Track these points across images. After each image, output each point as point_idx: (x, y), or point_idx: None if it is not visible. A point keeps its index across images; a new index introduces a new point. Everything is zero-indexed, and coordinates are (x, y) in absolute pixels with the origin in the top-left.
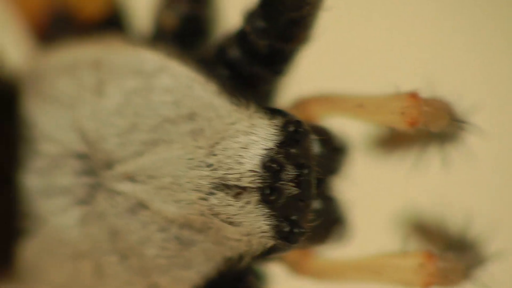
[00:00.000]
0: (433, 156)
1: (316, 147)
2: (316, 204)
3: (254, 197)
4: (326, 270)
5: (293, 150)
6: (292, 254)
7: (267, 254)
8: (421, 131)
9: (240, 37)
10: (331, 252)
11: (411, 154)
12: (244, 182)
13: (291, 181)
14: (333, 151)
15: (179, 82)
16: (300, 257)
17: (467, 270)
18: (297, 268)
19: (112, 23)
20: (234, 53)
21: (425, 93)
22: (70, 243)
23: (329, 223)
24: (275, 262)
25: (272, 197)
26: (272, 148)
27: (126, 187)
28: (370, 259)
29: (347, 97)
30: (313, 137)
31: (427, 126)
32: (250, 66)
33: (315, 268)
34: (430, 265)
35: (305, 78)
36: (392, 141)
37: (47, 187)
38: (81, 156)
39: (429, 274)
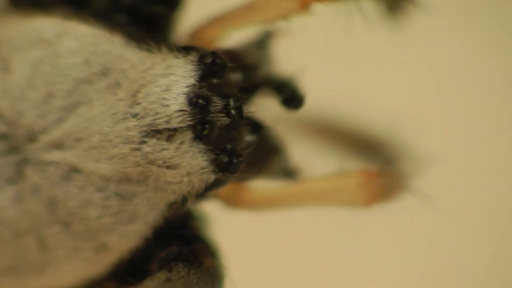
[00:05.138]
0: None
1: (235, 74)
2: (247, 130)
3: (187, 135)
4: (264, 199)
5: (215, 81)
6: (227, 189)
7: (209, 190)
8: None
9: None
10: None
11: None
12: (174, 123)
13: (220, 111)
14: (250, 74)
15: (83, 41)
16: (235, 191)
17: (403, 181)
18: (233, 202)
19: None
20: None
21: None
22: (9, 224)
23: (263, 150)
24: (211, 200)
25: (205, 132)
26: (194, 84)
27: (55, 155)
28: (309, 183)
29: (234, 8)
30: (231, 64)
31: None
32: (147, 5)
33: (252, 199)
34: (371, 183)
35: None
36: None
37: None
38: (2, 136)
39: (371, 192)
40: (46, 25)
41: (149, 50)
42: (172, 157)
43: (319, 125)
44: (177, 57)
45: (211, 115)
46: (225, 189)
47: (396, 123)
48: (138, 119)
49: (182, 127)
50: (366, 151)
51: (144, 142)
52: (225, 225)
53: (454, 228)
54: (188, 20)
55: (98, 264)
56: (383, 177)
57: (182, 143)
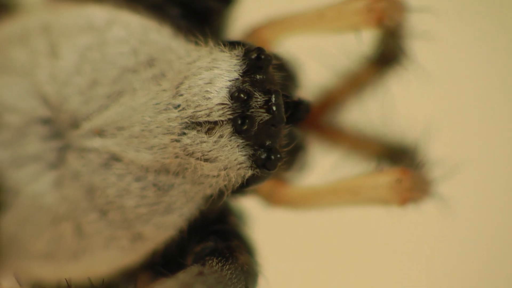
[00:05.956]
0: None
1: (279, 72)
2: (287, 128)
3: (227, 129)
4: (302, 197)
5: (258, 77)
6: (266, 185)
7: (246, 185)
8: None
9: None
10: (300, 181)
11: None
12: (215, 116)
13: (261, 107)
14: (292, 75)
15: (132, 30)
16: (273, 187)
17: (432, 182)
18: (272, 199)
19: None
20: None
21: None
22: (47, 208)
23: (297, 148)
24: (250, 197)
25: (245, 127)
26: (237, 78)
27: (96, 143)
28: (345, 181)
29: (300, 13)
30: (275, 61)
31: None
32: None
33: (290, 197)
34: (407, 181)
35: (254, 9)
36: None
37: (16, 157)
38: (46, 121)
39: (406, 189)
40: (97, 12)
41: (196, 43)
42: (210, 150)
43: (344, 130)
44: (223, 51)
45: (251, 110)
46: (265, 186)
47: (418, 130)
48: (180, 111)
49: (222, 121)
50: (390, 157)
51: (184, 133)
52: (264, 223)
53: (469, 233)
54: (244, 17)
55: (133, 254)
56: (417, 177)
57: (221, 136)
